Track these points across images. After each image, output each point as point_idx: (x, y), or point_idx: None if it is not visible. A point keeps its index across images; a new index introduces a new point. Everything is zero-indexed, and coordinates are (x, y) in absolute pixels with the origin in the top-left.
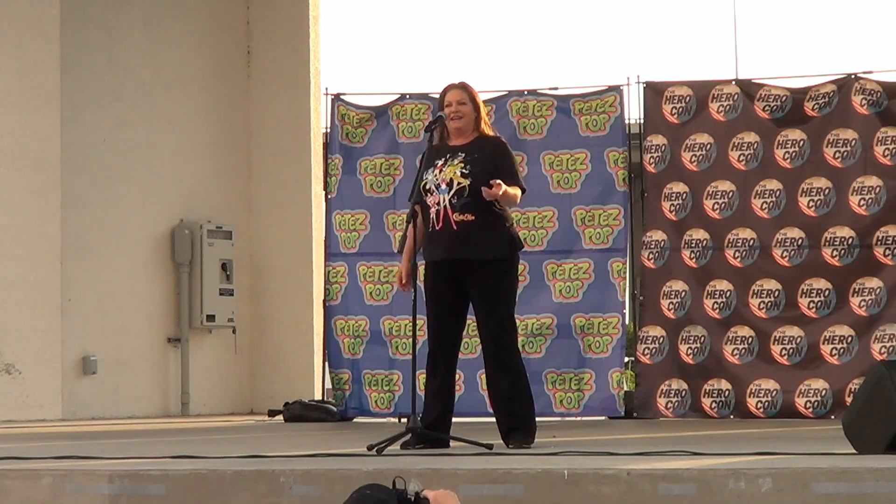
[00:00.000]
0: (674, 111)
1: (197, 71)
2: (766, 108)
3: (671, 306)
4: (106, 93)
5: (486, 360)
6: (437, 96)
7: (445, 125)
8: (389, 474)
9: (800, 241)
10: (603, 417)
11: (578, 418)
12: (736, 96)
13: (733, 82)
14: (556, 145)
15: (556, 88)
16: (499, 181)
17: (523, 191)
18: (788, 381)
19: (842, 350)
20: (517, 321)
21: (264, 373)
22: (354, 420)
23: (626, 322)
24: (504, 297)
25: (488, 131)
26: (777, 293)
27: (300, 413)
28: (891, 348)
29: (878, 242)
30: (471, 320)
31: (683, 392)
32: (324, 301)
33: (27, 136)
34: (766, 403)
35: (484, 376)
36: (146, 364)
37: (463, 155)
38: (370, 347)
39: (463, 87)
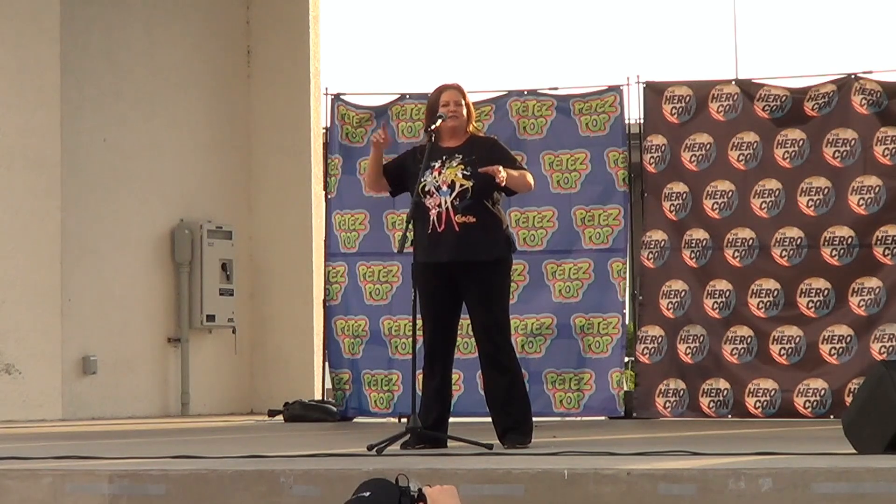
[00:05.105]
0: (674, 111)
1: (197, 71)
2: (766, 107)
3: (670, 306)
4: (106, 93)
5: (482, 361)
6: None
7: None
8: (389, 474)
9: (799, 240)
10: (603, 417)
11: (578, 418)
12: (736, 96)
13: (733, 82)
14: (556, 145)
15: (556, 88)
16: (498, 167)
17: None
18: (787, 381)
19: (841, 350)
20: (517, 321)
21: (264, 373)
22: (354, 420)
23: (626, 322)
24: (501, 297)
25: (479, 133)
26: (776, 293)
27: (300, 413)
28: (890, 348)
29: (878, 242)
30: (466, 320)
31: (682, 392)
32: (324, 301)
33: (27, 136)
34: (765, 403)
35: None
36: (146, 364)
37: (461, 157)
38: (370, 347)
39: (457, 88)
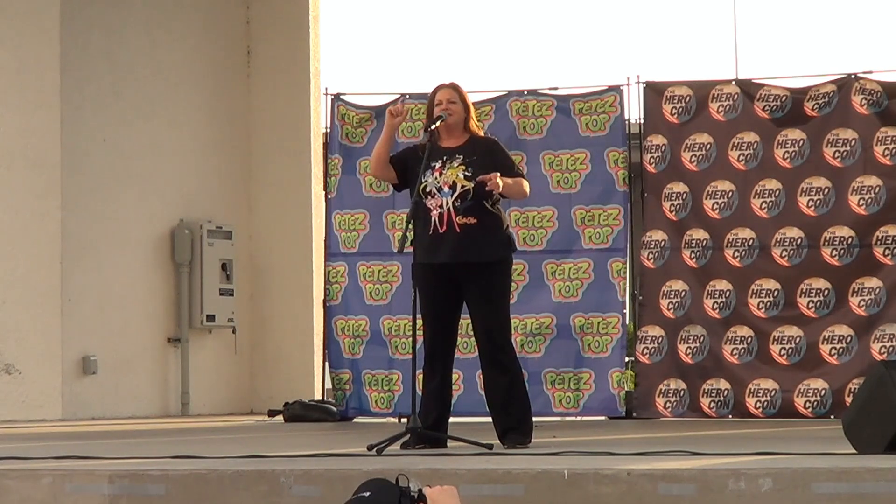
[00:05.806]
0: (674, 111)
1: (197, 71)
2: (766, 107)
3: (671, 306)
4: (106, 93)
5: (482, 361)
6: None
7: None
8: (389, 474)
9: (799, 240)
10: (602, 417)
11: (578, 418)
12: (736, 96)
13: (733, 82)
14: (556, 145)
15: (556, 88)
16: (495, 172)
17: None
18: (788, 381)
19: (841, 350)
20: (516, 321)
21: (264, 373)
22: (354, 420)
23: (626, 322)
24: (501, 297)
25: (479, 132)
26: (776, 293)
27: (300, 413)
28: (890, 348)
29: (878, 242)
30: (466, 320)
31: (682, 392)
32: (324, 301)
33: (27, 136)
34: (765, 403)
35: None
36: (146, 364)
37: (461, 157)
38: (370, 347)
39: (453, 86)
